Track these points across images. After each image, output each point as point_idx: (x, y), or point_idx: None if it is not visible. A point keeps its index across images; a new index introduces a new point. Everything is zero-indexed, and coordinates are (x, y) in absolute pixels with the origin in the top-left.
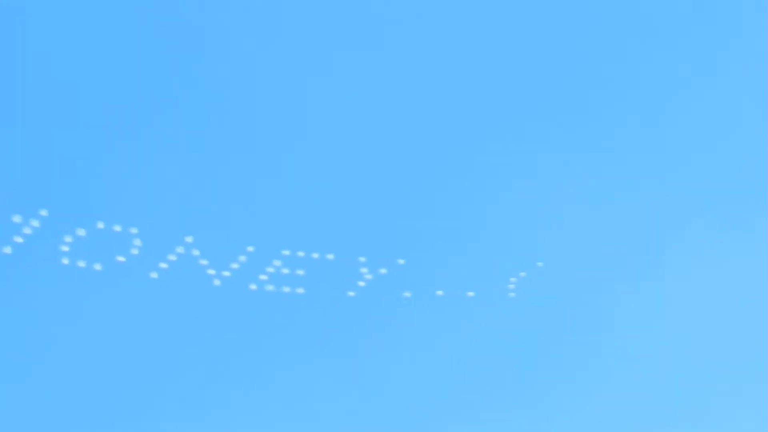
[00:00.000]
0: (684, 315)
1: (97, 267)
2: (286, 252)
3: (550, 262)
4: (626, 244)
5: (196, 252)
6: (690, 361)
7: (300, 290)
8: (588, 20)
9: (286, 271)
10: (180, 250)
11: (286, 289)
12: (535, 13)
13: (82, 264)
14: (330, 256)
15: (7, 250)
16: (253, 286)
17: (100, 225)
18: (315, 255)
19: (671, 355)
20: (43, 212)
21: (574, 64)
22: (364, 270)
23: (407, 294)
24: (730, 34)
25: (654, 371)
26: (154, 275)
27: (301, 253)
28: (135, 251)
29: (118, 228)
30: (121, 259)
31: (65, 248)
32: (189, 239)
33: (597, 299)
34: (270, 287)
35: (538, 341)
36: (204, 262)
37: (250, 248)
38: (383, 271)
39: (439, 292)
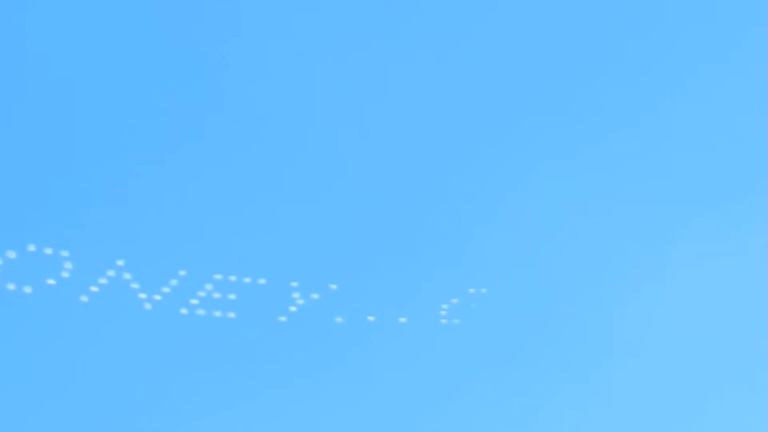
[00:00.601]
0: (672, 326)
1: (27, 290)
2: (218, 276)
3: (489, 287)
4: (591, 261)
5: (127, 275)
6: (686, 369)
7: (231, 314)
8: (585, 19)
9: (217, 295)
10: (111, 273)
11: (218, 314)
12: (530, 14)
13: (11, 287)
14: (262, 281)
15: None
16: (185, 311)
17: (31, 247)
18: (247, 279)
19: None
20: None
21: (562, 66)
22: (296, 295)
23: (339, 319)
24: (729, 35)
25: (646, 385)
26: (84, 298)
27: (233, 278)
28: (66, 274)
29: (48, 251)
30: (51, 282)
31: None
32: (120, 262)
33: (542, 322)
34: (201, 311)
35: (473, 367)
36: (135, 285)
37: (182, 272)
38: (315, 296)
39: (371, 318)
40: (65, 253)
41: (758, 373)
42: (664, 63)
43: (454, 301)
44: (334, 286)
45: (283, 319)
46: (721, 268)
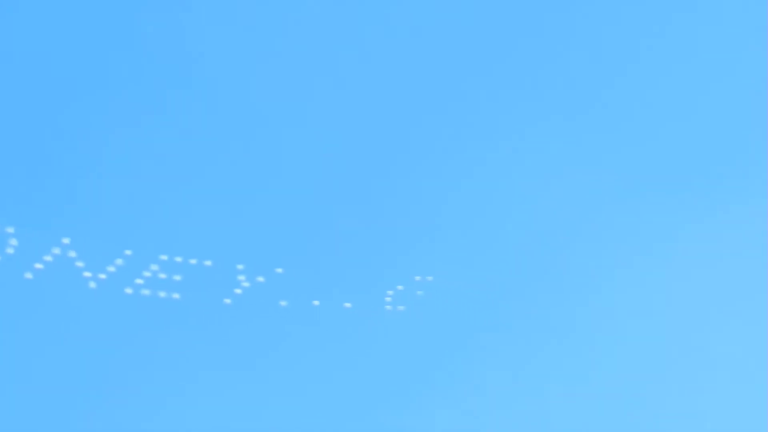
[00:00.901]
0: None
1: None
2: (164, 257)
3: (437, 275)
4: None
5: (72, 254)
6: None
7: (176, 296)
8: (578, 14)
9: (163, 275)
10: (56, 251)
11: (162, 294)
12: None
13: None
14: (208, 263)
15: None
16: (129, 290)
17: None
18: (193, 261)
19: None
20: None
21: (557, 59)
22: (241, 277)
23: (284, 303)
24: (729, 34)
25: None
26: (29, 275)
27: (178, 259)
28: (10, 251)
29: None
30: None
31: None
32: (66, 240)
33: (487, 319)
34: (146, 291)
35: (417, 353)
36: (80, 264)
37: (128, 251)
38: (261, 279)
39: (316, 302)
40: (10, 230)
41: (758, 374)
42: (664, 61)
43: (400, 287)
44: (279, 270)
45: (227, 301)
46: (719, 269)
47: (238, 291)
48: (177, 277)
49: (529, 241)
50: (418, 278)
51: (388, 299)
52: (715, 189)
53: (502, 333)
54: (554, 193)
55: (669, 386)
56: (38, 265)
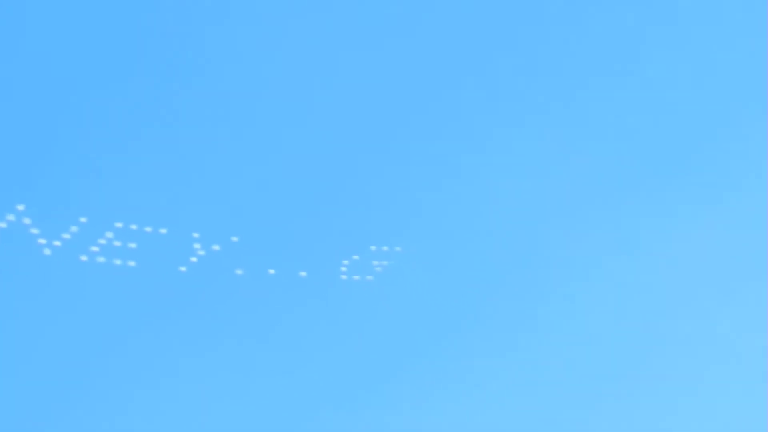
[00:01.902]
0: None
1: None
2: (119, 224)
3: (391, 245)
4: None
5: (27, 220)
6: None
7: (131, 263)
8: (573, 11)
9: (118, 243)
10: (11, 217)
11: (118, 262)
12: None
13: None
14: (163, 230)
15: None
16: (84, 257)
17: None
18: (148, 229)
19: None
20: None
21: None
22: (197, 246)
23: (239, 271)
24: (729, 33)
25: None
26: None
27: (133, 226)
28: None
29: None
30: None
31: None
32: (20, 207)
33: (454, 295)
34: (101, 259)
35: (370, 322)
36: (35, 231)
37: (83, 219)
38: (216, 247)
39: (271, 271)
40: None
41: (758, 371)
42: (662, 58)
43: (356, 257)
44: (235, 239)
45: (183, 269)
46: (717, 266)
47: (194, 259)
48: (132, 245)
49: (521, 233)
50: (373, 248)
51: (343, 269)
52: (713, 185)
53: (480, 322)
54: (547, 185)
55: (664, 381)
56: None
